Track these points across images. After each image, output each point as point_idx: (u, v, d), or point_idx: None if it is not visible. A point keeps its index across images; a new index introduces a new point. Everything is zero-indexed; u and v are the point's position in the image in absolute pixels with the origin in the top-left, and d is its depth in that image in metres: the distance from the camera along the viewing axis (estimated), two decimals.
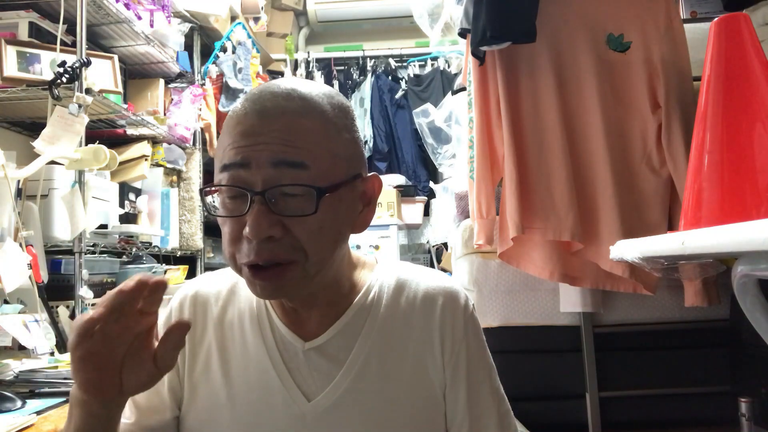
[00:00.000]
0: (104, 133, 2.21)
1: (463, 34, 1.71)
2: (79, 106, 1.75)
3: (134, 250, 2.17)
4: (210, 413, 0.73)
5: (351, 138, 0.68)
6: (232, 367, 0.73)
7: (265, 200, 0.61)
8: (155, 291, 0.57)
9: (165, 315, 0.79)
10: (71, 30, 1.98)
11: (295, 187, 0.62)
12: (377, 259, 0.81)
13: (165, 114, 2.53)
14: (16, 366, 1.51)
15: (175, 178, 2.64)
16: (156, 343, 0.59)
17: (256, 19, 3.55)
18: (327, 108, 0.66)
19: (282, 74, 4.01)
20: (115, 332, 0.57)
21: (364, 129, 4.12)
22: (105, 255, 2.06)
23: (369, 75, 4.23)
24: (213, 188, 0.65)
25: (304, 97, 0.65)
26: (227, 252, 0.66)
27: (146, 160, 2.31)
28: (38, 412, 1.26)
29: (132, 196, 2.23)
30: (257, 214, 0.61)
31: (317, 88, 0.68)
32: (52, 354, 1.59)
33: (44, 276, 1.65)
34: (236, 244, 0.64)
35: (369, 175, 0.71)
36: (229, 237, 0.65)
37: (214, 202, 0.66)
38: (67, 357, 1.58)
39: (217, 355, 0.74)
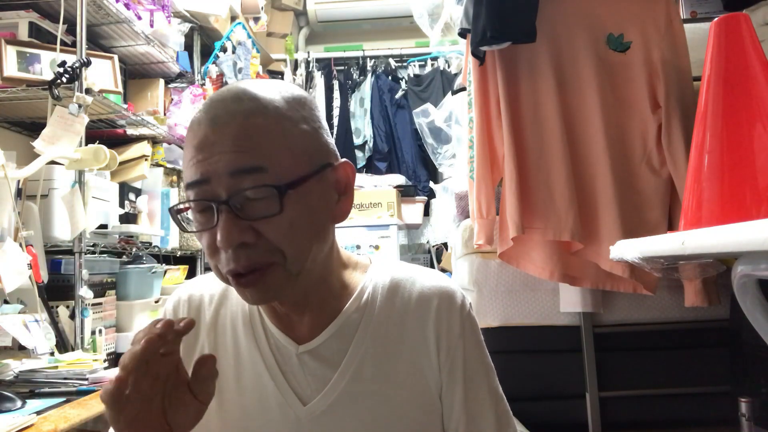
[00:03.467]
0: (104, 133, 2.21)
1: (463, 34, 1.71)
2: (79, 106, 1.75)
3: (134, 250, 2.17)
4: (203, 418, 0.72)
5: (310, 129, 0.66)
6: (224, 371, 0.72)
7: (230, 208, 0.61)
8: (181, 334, 0.59)
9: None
10: (71, 30, 1.98)
11: (256, 189, 0.61)
12: (371, 260, 0.79)
13: (165, 114, 2.53)
14: (16, 366, 1.51)
15: (175, 178, 2.64)
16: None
17: (256, 19, 3.55)
18: (279, 103, 0.65)
19: (282, 74, 4.01)
20: (147, 385, 0.58)
21: (364, 129, 4.12)
22: (105, 255, 2.06)
23: (369, 75, 4.23)
24: (182, 206, 0.66)
25: (253, 96, 0.64)
26: (211, 264, 0.66)
27: (146, 160, 2.31)
28: (38, 412, 1.26)
29: (132, 196, 2.23)
30: (225, 223, 0.61)
31: (270, 84, 0.67)
32: (52, 354, 1.59)
33: (44, 276, 1.65)
34: (216, 256, 0.64)
35: (340, 162, 0.69)
36: (208, 250, 0.65)
37: (188, 215, 0.67)
38: (66, 357, 1.58)
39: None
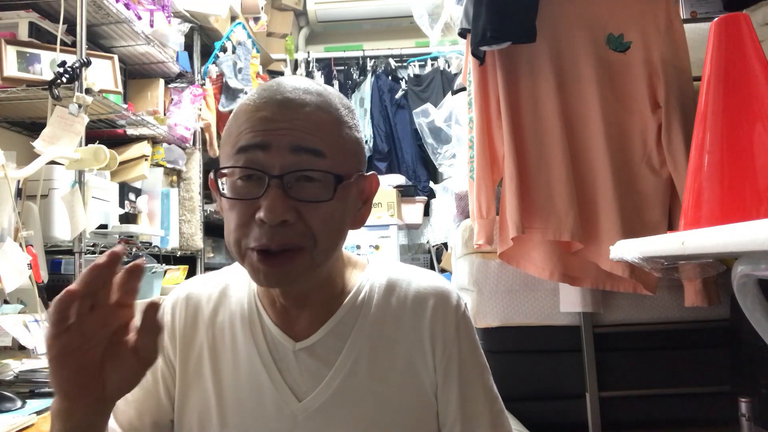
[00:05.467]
0: (104, 133, 2.21)
1: (463, 34, 1.71)
2: (79, 106, 1.75)
3: (134, 250, 2.17)
4: (201, 414, 0.73)
5: (357, 137, 0.70)
6: (222, 368, 0.73)
7: (282, 184, 0.62)
8: (131, 278, 0.56)
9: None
10: (71, 30, 1.97)
11: (314, 172, 0.63)
12: (369, 260, 0.80)
13: (165, 114, 2.52)
14: (16, 366, 1.51)
15: (175, 178, 2.64)
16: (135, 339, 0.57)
17: (256, 19, 3.55)
18: (339, 106, 0.68)
19: (282, 74, 4.00)
20: (91, 326, 0.54)
21: (364, 129, 4.12)
22: None
23: (369, 75, 4.23)
24: (228, 169, 0.65)
25: (321, 93, 0.67)
26: (233, 237, 0.65)
27: (146, 160, 2.31)
28: (38, 412, 1.26)
29: (132, 196, 2.23)
30: (274, 198, 0.61)
31: (329, 87, 0.71)
32: None
33: (44, 276, 1.65)
34: (244, 229, 0.64)
35: (369, 173, 0.72)
36: (238, 221, 0.64)
37: (223, 186, 0.66)
38: None
39: (208, 357, 0.74)
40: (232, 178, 0.65)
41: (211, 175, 0.66)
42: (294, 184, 0.63)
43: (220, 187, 0.66)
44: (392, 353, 0.72)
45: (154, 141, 2.42)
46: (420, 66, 4.26)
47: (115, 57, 2.16)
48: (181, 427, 0.74)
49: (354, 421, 0.70)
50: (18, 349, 1.64)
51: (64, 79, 1.74)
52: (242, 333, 0.74)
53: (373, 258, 0.81)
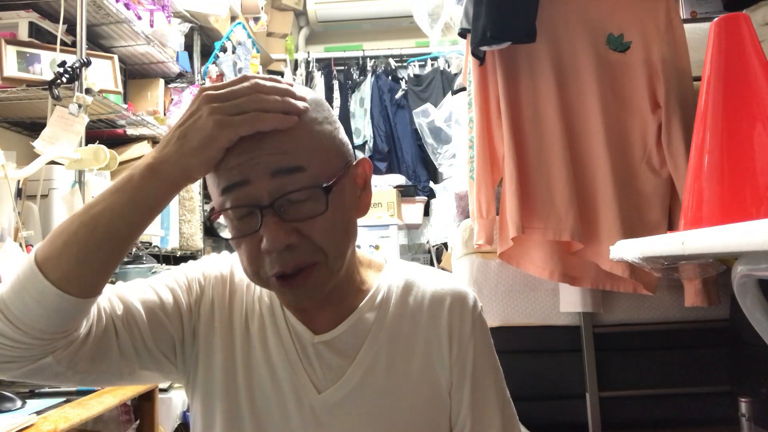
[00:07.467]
0: (104, 133, 2.21)
1: (463, 34, 1.71)
2: (79, 106, 1.75)
3: (134, 250, 2.17)
4: (227, 390, 0.73)
5: (333, 128, 0.68)
6: (250, 349, 0.74)
7: (275, 211, 0.62)
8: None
9: (201, 278, 0.77)
10: (71, 30, 1.98)
11: (300, 192, 0.62)
12: (386, 260, 0.82)
13: (165, 114, 2.53)
14: None
15: None
16: None
17: (256, 19, 3.55)
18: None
19: (282, 74, 4.01)
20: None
21: (364, 129, 4.12)
22: None
23: (369, 75, 4.23)
24: (220, 212, 0.66)
25: None
26: (250, 270, 0.66)
27: None
28: (38, 412, 1.26)
29: None
30: (271, 227, 0.62)
31: None
32: None
33: None
34: (257, 261, 0.65)
35: (358, 159, 0.72)
36: (248, 255, 0.65)
37: (218, 223, 0.67)
38: None
39: (240, 337, 0.75)
40: (228, 217, 0.66)
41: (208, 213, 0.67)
42: (287, 207, 0.63)
43: (219, 227, 0.67)
44: (410, 352, 0.73)
45: (154, 141, 2.42)
46: (420, 66, 4.26)
47: (115, 57, 2.16)
48: (204, 395, 0.73)
49: (371, 417, 0.71)
50: None
51: (64, 79, 1.74)
52: (269, 320, 0.75)
53: (390, 258, 0.83)
